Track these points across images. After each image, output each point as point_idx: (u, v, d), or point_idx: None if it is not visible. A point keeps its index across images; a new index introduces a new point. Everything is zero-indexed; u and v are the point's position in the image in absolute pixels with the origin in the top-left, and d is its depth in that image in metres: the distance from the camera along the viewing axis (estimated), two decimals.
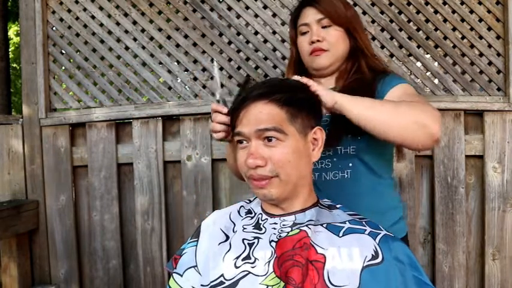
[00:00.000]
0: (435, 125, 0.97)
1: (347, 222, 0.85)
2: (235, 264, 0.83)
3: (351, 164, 1.12)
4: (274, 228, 0.85)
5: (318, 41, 1.16)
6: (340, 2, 1.19)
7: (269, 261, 0.80)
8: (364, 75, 1.17)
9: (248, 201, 0.99)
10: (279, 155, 0.82)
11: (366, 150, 1.12)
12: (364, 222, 0.85)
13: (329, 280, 0.75)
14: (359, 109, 0.96)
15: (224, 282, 0.81)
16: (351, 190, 1.11)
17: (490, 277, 1.96)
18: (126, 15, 2.15)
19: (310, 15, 1.18)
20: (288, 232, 0.83)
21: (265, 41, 2.08)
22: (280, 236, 0.83)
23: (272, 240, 0.83)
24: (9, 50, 5.71)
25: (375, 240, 0.80)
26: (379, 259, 0.77)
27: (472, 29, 1.99)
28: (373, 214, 0.95)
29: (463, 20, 1.99)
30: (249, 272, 0.80)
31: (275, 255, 0.81)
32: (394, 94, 1.09)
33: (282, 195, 0.84)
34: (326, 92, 0.95)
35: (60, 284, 2.17)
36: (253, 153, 0.82)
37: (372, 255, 0.77)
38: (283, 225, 0.85)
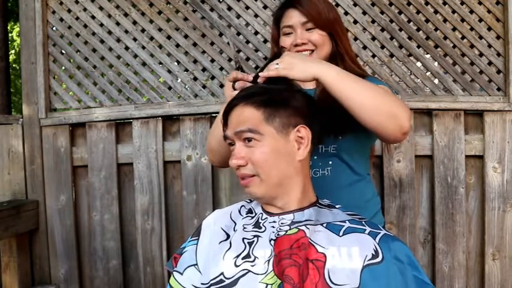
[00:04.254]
0: (405, 118, 0.96)
1: (347, 221, 0.85)
2: (235, 262, 0.83)
3: (330, 162, 1.14)
4: (273, 227, 0.86)
5: (303, 43, 1.17)
6: (324, 3, 1.18)
7: (269, 260, 0.80)
8: None
9: (249, 201, 0.99)
10: (257, 154, 0.84)
11: (346, 150, 1.14)
12: (363, 222, 0.86)
13: (330, 279, 0.76)
14: (345, 85, 0.94)
15: (224, 281, 0.82)
16: (331, 186, 1.12)
17: (490, 277, 1.96)
18: (126, 15, 2.15)
19: (294, 17, 1.18)
20: (286, 231, 0.83)
21: (265, 41, 2.08)
22: (278, 234, 0.83)
23: (272, 239, 0.83)
24: (12, 51, 5.71)
25: (374, 239, 0.80)
26: (379, 258, 0.77)
27: (472, 29, 1.99)
28: (353, 209, 0.96)
29: (463, 20, 1.99)
30: (249, 271, 0.81)
31: (274, 254, 0.81)
32: None
33: (266, 194, 0.86)
34: (297, 70, 0.93)
35: (60, 284, 2.17)
36: (235, 154, 0.86)
37: (372, 254, 0.78)
38: (282, 223, 0.86)
